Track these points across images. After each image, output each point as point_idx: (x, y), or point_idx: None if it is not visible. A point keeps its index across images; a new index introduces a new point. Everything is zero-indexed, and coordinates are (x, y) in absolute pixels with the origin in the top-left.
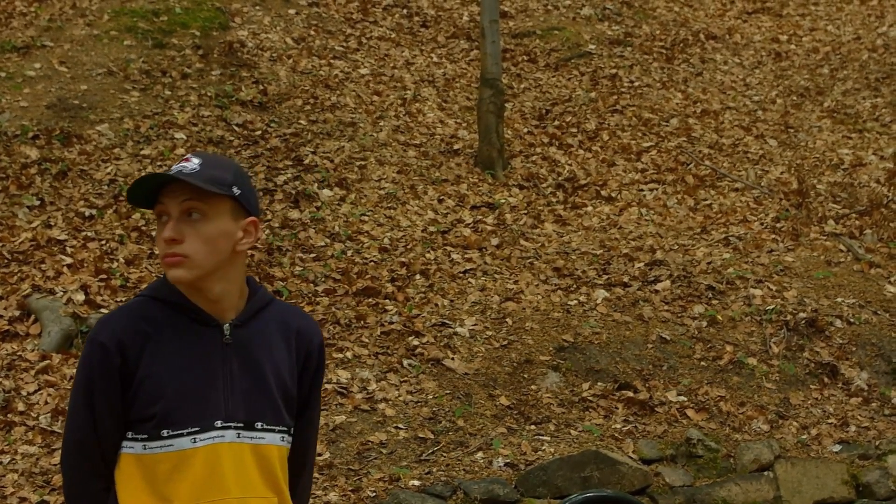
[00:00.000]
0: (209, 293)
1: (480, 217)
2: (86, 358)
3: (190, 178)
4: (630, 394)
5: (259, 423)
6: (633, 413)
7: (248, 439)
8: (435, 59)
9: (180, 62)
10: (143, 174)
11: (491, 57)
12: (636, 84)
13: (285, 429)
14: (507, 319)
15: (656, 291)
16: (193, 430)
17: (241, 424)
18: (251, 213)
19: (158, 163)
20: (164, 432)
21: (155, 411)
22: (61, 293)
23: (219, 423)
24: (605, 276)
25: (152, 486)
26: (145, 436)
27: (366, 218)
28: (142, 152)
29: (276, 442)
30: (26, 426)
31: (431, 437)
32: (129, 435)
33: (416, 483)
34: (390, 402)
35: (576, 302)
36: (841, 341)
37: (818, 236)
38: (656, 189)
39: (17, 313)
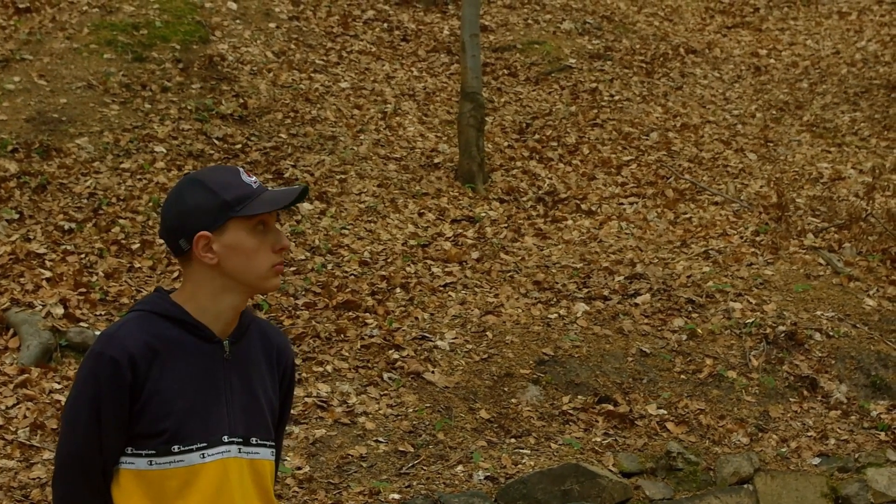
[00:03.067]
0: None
1: (461, 231)
2: (92, 372)
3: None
4: (610, 407)
5: (254, 439)
6: (614, 426)
7: (247, 454)
8: (415, 73)
9: (160, 75)
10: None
11: (471, 71)
12: (616, 98)
13: (273, 444)
14: (488, 333)
15: (636, 305)
16: (202, 445)
17: (241, 440)
18: None
19: (138, 176)
20: (175, 448)
21: (165, 427)
22: (40, 307)
23: (225, 438)
24: (586, 290)
25: (157, 502)
26: (153, 451)
27: (346, 231)
28: (121, 166)
29: (267, 457)
30: (4, 440)
31: (412, 450)
32: (129, 451)
33: (397, 497)
34: (370, 416)
35: (556, 315)
36: (820, 354)
37: (797, 250)
38: (636, 203)
39: None
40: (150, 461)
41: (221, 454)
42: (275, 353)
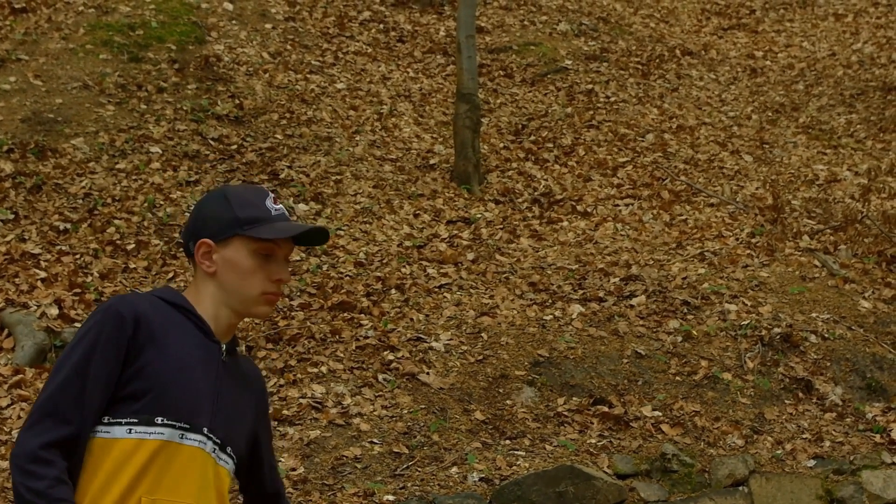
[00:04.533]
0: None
1: (456, 232)
2: (97, 322)
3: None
4: (605, 409)
5: (229, 448)
6: (608, 428)
7: (217, 459)
8: (411, 74)
9: (156, 76)
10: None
11: (467, 72)
12: (612, 99)
13: (235, 460)
14: (483, 334)
15: (632, 306)
16: (184, 426)
17: (219, 442)
18: None
19: (134, 177)
20: (159, 419)
21: (155, 393)
22: (35, 307)
23: (205, 430)
24: (581, 291)
25: (120, 473)
26: (134, 420)
27: (342, 232)
28: (117, 166)
29: (232, 470)
30: None
31: (406, 451)
32: (106, 419)
33: (391, 498)
34: (365, 417)
35: (551, 317)
36: (815, 356)
37: (793, 252)
38: (632, 204)
39: None
40: (130, 429)
41: (198, 443)
42: (256, 385)
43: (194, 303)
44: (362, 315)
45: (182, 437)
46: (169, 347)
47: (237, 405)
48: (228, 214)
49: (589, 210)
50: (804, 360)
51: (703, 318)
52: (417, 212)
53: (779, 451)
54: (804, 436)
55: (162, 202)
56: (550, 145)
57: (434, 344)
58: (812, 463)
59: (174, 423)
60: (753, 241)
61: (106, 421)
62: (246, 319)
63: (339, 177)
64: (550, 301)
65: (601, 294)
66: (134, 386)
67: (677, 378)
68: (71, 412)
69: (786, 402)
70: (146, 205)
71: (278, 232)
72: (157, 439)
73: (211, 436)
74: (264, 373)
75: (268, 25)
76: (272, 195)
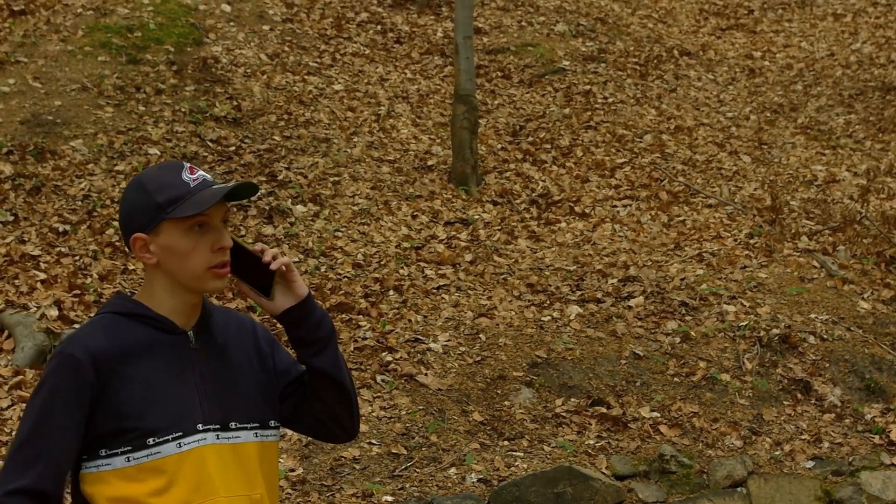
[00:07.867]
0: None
1: (454, 233)
2: (54, 370)
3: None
4: (603, 410)
5: (233, 423)
6: (607, 429)
7: (226, 440)
8: (409, 76)
9: (154, 78)
10: (113, 185)
11: (465, 73)
12: (610, 100)
13: (257, 424)
14: (481, 335)
15: (629, 307)
16: (177, 434)
17: (218, 426)
18: None
19: (132, 179)
20: (150, 440)
21: (137, 422)
22: (35, 308)
23: (200, 427)
24: (579, 292)
25: (139, 496)
26: (128, 448)
27: (339, 234)
28: (115, 168)
29: (251, 439)
30: None
31: (404, 452)
32: (104, 452)
33: (389, 499)
34: (363, 418)
35: (549, 318)
36: (814, 357)
37: (791, 252)
38: (630, 205)
39: None
40: (128, 458)
41: (198, 442)
42: (257, 333)
43: (149, 299)
44: (360, 316)
45: (180, 446)
46: (135, 370)
47: (226, 374)
48: (149, 202)
49: (587, 211)
50: (803, 361)
51: (701, 319)
52: (415, 213)
53: (777, 452)
54: (803, 437)
55: None
56: (548, 146)
57: (432, 345)
58: (811, 464)
59: (166, 437)
60: (752, 241)
61: (104, 454)
62: None
63: (336, 178)
64: (548, 302)
65: (599, 295)
66: (114, 421)
67: (675, 379)
68: (34, 462)
69: (784, 403)
70: None
71: (199, 205)
72: (156, 459)
73: (209, 427)
74: None
75: (265, 27)
76: (187, 165)
